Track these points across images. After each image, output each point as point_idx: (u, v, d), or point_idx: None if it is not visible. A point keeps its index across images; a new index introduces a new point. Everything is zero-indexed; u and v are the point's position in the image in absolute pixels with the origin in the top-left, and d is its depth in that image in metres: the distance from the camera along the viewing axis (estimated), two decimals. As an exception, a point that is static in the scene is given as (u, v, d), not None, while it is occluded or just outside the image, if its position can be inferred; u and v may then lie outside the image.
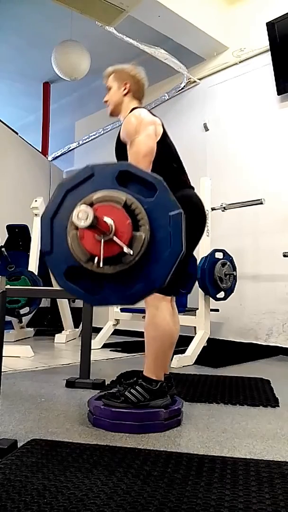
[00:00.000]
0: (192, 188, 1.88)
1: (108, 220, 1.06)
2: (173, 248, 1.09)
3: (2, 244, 4.48)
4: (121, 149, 1.79)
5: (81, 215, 0.98)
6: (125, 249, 1.05)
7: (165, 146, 1.80)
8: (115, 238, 1.05)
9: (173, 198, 1.12)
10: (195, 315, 3.33)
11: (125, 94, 1.90)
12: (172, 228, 1.09)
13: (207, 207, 3.20)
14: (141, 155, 1.64)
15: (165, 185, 1.12)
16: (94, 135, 5.87)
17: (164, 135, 1.81)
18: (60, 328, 4.38)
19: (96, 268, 1.07)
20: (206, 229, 1.96)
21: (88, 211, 0.98)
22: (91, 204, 1.09)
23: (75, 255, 1.10)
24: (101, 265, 1.05)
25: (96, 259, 1.07)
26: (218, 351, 3.67)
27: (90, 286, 1.12)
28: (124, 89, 1.90)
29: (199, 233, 1.85)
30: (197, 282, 3.24)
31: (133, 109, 1.83)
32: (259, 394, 2.20)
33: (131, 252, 1.05)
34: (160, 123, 1.81)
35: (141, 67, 1.99)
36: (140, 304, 1.26)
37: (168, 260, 1.09)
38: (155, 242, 1.10)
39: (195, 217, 1.79)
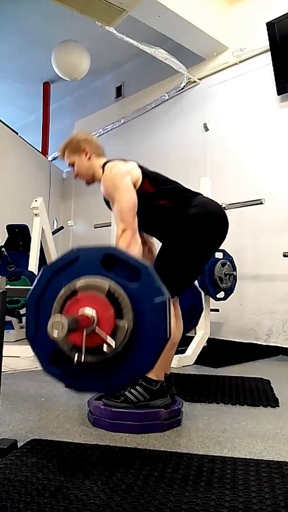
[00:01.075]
0: (199, 193, 1.87)
1: (91, 311, 1.04)
2: (157, 338, 1.07)
3: (2, 244, 4.47)
4: (107, 202, 1.82)
5: (56, 326, 0.96)
6: (108, 341, 1.03)
7: (152, 179, 1.80)
8: (97, 330, 1.03)
9: (159, 283, 1.09)
10: (195, 315, 3.33)
11: (89, 158, 1.89)
12: (156, 316, 1.07)
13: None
14: (124, 211, 1.65)
15: (150, 270, 1.10)
16: (94, 135, 5.85)
17: (144, 172, 1.80)
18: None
19: (78, 359, 1.05)
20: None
21: (63, 322, 0.95)
22: (74, 291, 1.08)
23: (59, 344, 1.08)
24: (82, 358, 1.03)
25: (77, 352, 1.04)
26: (218, 351, 3.67)
27: (73, 372, 1.09)
28: (86, 155, 1.88)
29: (218, 240, 1.86)
30: (196, 282, 3.22)
31: (104, 164, 1.83)
32: (259, 394, 2.20)
33: (113, 345, 1.03)
34: (135, 165, 1.80)
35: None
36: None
37: (152, 350, 1.07)
38: (139, 330, 1.07)
39: (214, 226, 1.78)
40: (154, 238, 2.01)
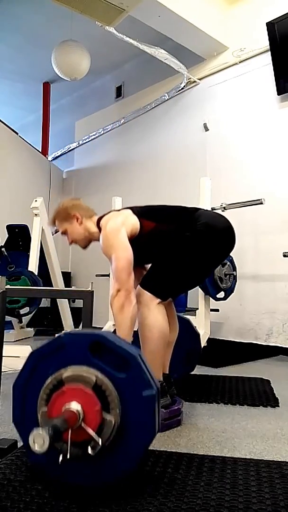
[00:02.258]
0: (198, 209, 1.87)
1: (77, 406, 1.02)
2: (144, 433, 1.05)
3: (2, 244, 4.47)
4: None
5: (37, 440, 0.92)
6: (94, 437, 1.01)
7: (150, 215, 1.80)
8: (83, 425, 1.01)
9: (148, 375, 1.07)
10: (195, 315, 3.33)
11: (81, 223, 1.88)
12: (144, 411, 1.05)
13: (207, 207, 3.20)
14: (119, 270, 1.65)
15: (139, 361, 1.08)
16: (94, 135, 5.87)
17: (140, 214, 1.80)
18: (60, 328, 4.38)
19: (63, 453, 1.03)
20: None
21: (43, 436, 0.92)
22: (61, 382, 1.06)
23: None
24: (68, 454, 1.01)
25: (62, 446, 1.02)
26: (218, 351, 3.67)
27: (59, 463, 1.05)
28: (77, 220, 1.88)
29: (224, 257, 1.87)
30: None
31: (98, 220, 1.84)
32: (259, 394, 2.20)
33: (100, 442, 1.01)
34: (130, 213, 1.80)
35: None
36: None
37: (139, 445, 1.06)
38: (126, 424, 1.05)
39: (225, 245, 1.80)
40: None
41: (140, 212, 1.81)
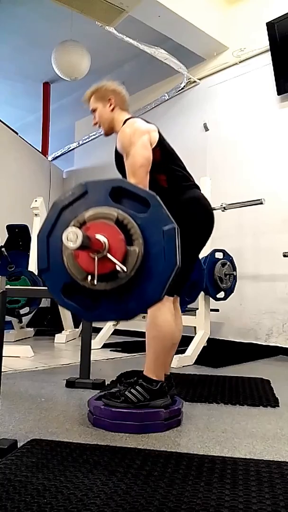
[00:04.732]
0: (198, 187, 1.88)
1: (101, 237, 1.06)
2: (167, 263, 1.09)
3: (2, 244, 4.48)
4: (119, 160, 1.80)
5: (71, 236, 0.98)
6: (119, 267, 1.05)
7: (164, 151, 1.79)
8: (109, 255, 1.05)
9: (167, 212, 1.11)
10: (195, 315, 3.33)
11: (112, 110, 1.87)
12: (166, 243, 1.09)
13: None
14: (137, 166, 1.65)
15: (158, 200, 1.12)
16: (94, 135, 5.87)
17: (161, 140, 1.79)
18: (60, 328, 4.38)
19: (91, 285, 1.07)
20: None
21: (77, 233, 0.97)
22: (84, 223, 1.09)
23: (71, 273, 1.10)
24: (95, 283, 1.05)
25: (90, 277, 1.07)
26: (218, 351, 3.67)
27: (86, 302, 1.12)
28: (110, 105, 1.87)
29: (206, 236, 1.85)
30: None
31: (126, 120, 1.82)
32: (259, 394, 2.20)
33: (125, 269, 1.05)
34: (156, 129, 1.80)
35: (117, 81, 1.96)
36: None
37: (163, 275, 1.09)
38: (149, 257, 1.09)
39: (203, 219, 1.79)
40: None
41: (163, 141, 1.80)
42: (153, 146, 1.74)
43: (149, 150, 1.69)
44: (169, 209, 1.67)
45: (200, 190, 1.87)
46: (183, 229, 1.68)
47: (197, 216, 1.77)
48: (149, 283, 1.10)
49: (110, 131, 1.91)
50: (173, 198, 1.73)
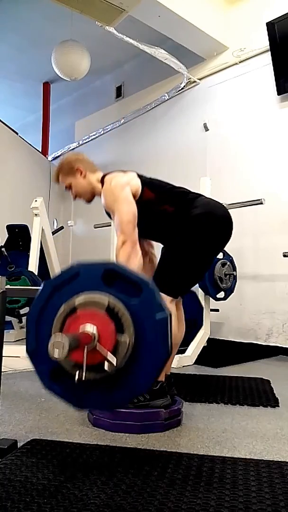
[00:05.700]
0: (200, 195, 1.86)
1: (91, 328, 1.03)
2: (158, 354, 1.06)
3: (2, 244, 4.47)
4: (108, 213, 1.83)
5: (57, 345, 0.95)
6: (109, 358, 1.02)
7: (152, 186, 1.81)
8: (98, 347, 1.03)
9: (159, 299, 1.09)
10: (195, 315, 3.33)
11: (85, 177, 1.88)
12: (158, 332, 1.06)
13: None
14: (124, 223, 1.67)
15: (151, 286, 1.09)
16: (94, 135, 5.87)
17: (144, 180, 1.80)
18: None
19: (80, 376, 1.04)
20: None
21: (63, 342, 0.94)
22: (74, 309, 1.07)
23: (59, 361, 1.07)
24: (84, 376, 1.03)
25: (78, 370, 1.04)
26: (218, 351, 3.67)
27: (74, 389, 1.08)
28: (81, 174, 1.88)
29: (223, 240, 1.85)
30: (198, 289, 3.24)
31: (103, 177, 1.83)
32: (259, 394, 2.20)
33: (115, 362, 1.03)
34: (134, 175, 1.81)
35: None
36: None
37: (153, 367, 1.07)
38: (140, 346, 1.06)
39: (217, 226, 1.78)
40: (155, 248, 2.01)
41: (145, 180, 1.81)
42: (139, 192, 1.76)
43: (132, 204, 1.71)
44: (182, 227, 1.70)
45: (203, 197, 1.86)
46: (198, 240, 1.70)
47: (210, 224, 1.75)
48: (137, 375, 1.07)
49: (91, 197, 1.92)
50: (184, 215, 1.74)
